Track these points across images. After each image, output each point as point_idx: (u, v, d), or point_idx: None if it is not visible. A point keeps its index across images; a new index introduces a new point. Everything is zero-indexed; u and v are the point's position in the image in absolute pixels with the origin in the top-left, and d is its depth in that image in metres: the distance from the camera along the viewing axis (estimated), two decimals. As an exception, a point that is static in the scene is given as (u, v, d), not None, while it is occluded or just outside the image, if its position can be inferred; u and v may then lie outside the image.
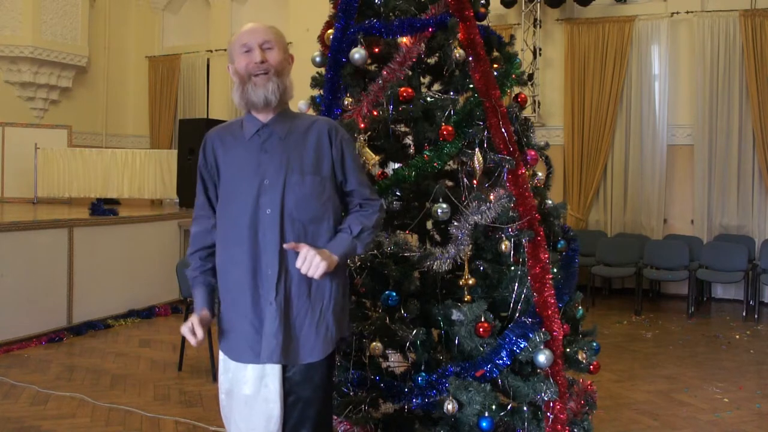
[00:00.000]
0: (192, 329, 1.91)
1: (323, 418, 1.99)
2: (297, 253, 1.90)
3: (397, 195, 2.78)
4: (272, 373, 1.92)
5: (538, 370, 2.52)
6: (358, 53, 2.71)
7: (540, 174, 3.06)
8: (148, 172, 8.77)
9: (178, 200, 8.53)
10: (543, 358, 2.46)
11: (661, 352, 5.51)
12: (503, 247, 2.59)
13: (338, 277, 2.00)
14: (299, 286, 1.93)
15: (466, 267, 2.61)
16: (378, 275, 2.63)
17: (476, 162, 2.66)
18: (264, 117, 1.97)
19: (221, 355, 2.03)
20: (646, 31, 7.92)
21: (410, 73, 2.90)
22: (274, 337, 1.90)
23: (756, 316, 6.83)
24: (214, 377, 4.48)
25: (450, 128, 2.65)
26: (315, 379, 1.95)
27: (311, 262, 1.85)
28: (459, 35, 2.78)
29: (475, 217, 2.56)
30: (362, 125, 2.69)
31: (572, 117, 8.18)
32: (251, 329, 1.92)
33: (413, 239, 2.88)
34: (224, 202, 1.99)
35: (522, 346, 2.47)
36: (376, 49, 2.81)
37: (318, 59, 2.91)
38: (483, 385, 2.43)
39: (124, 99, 11.06)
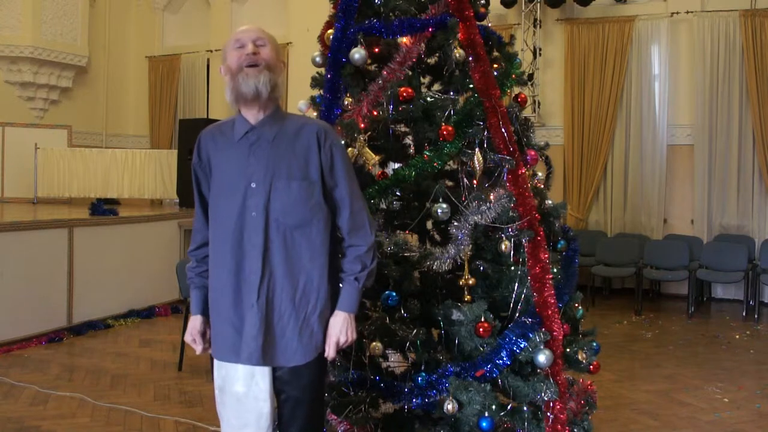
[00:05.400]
0: (194, 340, 2.12)
1: (312, 418, 2.00)
2: (284, 258, 1.92)
3: (397, 195, 2.78)
4: (261, 371, 1.94)
5: (538, 370, 2.52)
6: (358, 53, 2.71)
7: (540, 174, 3.06)
8: (148, 172, 8.78)
9: (178, 200, 8.53)
10: (543, 358, 2.46)
11: (661, 352, 5.51)
12: (503, 247, 2.59)
13: (327, 283, 1.99)
14: (283, 289, 1.93)
15: (466, 267, 2.60)
16: (378, 275, 2.62)
17: (476, 162, 2.65)
18: (253, 118, 1.96)
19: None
20: (646, 31, 7.92)
21: (410, 73, 2.89)
22: (254, 339, 1.91)
23: (756, 316, 6.84)
24: (214, 377, 4.48)
25: (450, 128, 2.65)
26: (303, 378, 1.96)
27: (339, 345, 2.00)
28: (459, 35, 2.78)
29: (475, 217, 2.56)
30: (362, 125, 2.69)
31: (572, 117, 8.19)
32: (232, 330, 1.94)
33: (413, 239, 2.88)
34: (214, 201, 2.00)
35: (522, 346, 2.47)
36: (376, 49, 2.81)
37: (318, 59, 2.91)
38: (483, 385, 2.42)
39: (124, 99, 11.06)
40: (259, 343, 1.91)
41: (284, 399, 1.96)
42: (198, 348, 2.11)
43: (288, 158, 1.94)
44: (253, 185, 1.92)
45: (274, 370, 1.95)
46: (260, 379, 1.93)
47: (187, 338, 2.12)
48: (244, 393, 1.95)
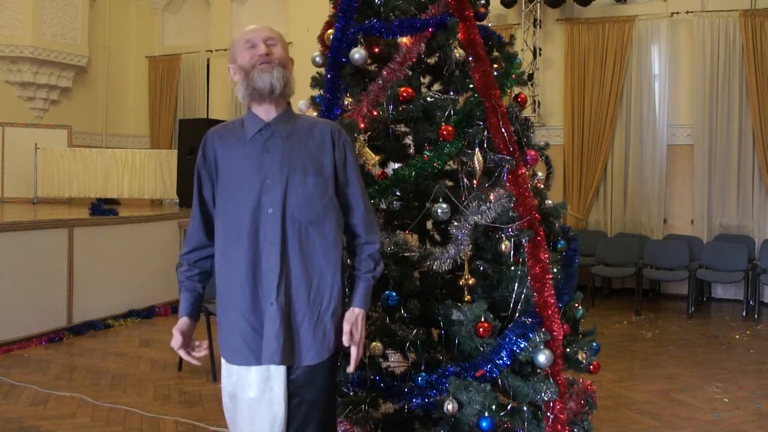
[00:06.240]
0: (182, 347, 2.01)
1: (328, 420, 1.98)
2: (300, 254, 1.91)
3: (397, 195, 2.78)
4: (277, 375, 1.91)
5: (538, 370, 2.52)
6: (358, 53, 2.71)
7: (540, 174, 3.06)
8: (148, 172, 8.77)
9: (178, 200, 8.53)
10: (543, 358, 2.46)
11: (661, 352, 5.51)
12: (503, 247, 2.59)
13: (339, 282, 1.99)
14: (298, 287, 1.92)
15: (466, 267, 2.61)
16: (378, 275, 2.63)
17: (476, 162, 2.66)
18: (266, 115, 1.96)
19: (223, 359, 2.02)
20: (646, 31, 7.92)
21: (410, 73, 2.90)
22: (275, 338, 1.89)
23: (756, 316, 6.83)
24: (214, 377, 4.48)
25: (450, 128, 2.65)
26: (318, 381, 1.94)
27: (356, 340, 1.97)
28: (459, 35, 2.78)
29: (475, 217, 2.56)
30: (362, 125, 2.69)
31: (572, 117, 8.19)
32: (250, 330, 1.91)
33: (413, 239, 2.88)
34: (224, 201, 1.97)
35: (522, 346, 2.47)
36: (376, 49, 2.81)
37: (318, 59, 2.91)
38: (483, 385, 2.42)
39: (124, 99, 11.06)
40: (281, 342, 1.89)
41: (297, 403, 1.93)
42: (183, 353, 2.00)
43: (302, 154, 1.95)
44: (269, 181, 1.91)
45: (288, 374, 1.93)
46: (276, 383, 1.91)
47: (174, 344, 2.00)
48: (256, 398, 1.92)
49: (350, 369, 2.00)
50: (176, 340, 1.99)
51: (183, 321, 2.03)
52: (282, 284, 1.90)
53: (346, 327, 1.96)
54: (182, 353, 2.02)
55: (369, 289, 2.03)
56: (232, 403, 1.98)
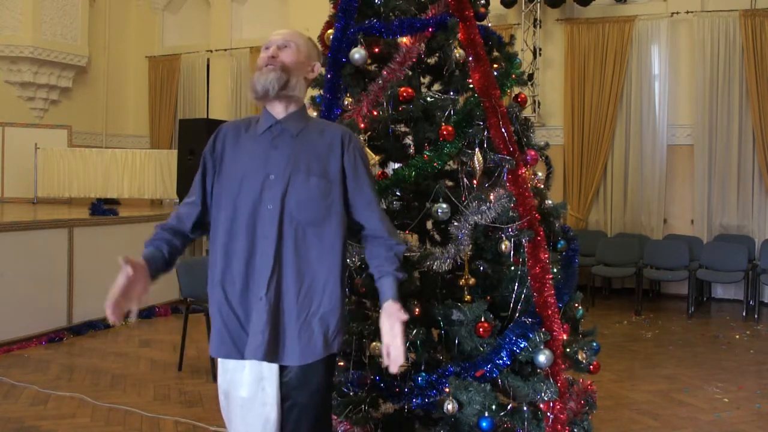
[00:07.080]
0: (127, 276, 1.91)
1: (321, 423, 1.97)
2: (294, 253, 1.90)
3: (397, 195, 2.78)
4: (270, 376, 1.91)
5: (538, 370, 2.52)
6: (358, 53, 2.71)
7: (540, 174, 3.06)
8: (148, 172, 8.78)
9: (178, 200, 8.53)
10: (543, 358, 2.46)
11: (661, 352, 5.51)
12: (503, 247, 2.59)
13: (331, 288, 1.95)
14: (289, 286, 1.92)
15: (466, 267, 2.61)
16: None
17: (476, 162, 2.66)
18: (279, 113, 1.98)
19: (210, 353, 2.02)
20: (646, 31, 7.92)
21: (410, 73, 2.90)
22: (261, 333, 1.88)
23: (756, 316, 6.84)
24: (214, 377, 4.47)
25: (450, 128, 2.65)
26: (312, 383, 1.93)
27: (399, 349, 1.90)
28: (459, 35, 2.78)
29: (475, 217, 2.56)
30: (362, 125, 2.69)
31: (572, 117, 8.19)
32: (237, 323, 1.92)
33: (413, 239, 2.88)
34: (225, 194, 1.97)
35: (522, 346, 2.47)
36: (376, 49, 2.81)
37: (318, 59, 2.91)
38: (483, 385, 2.43)
39: (124, 99, 11.06)
40: (266, 337, 1.88)
41: (290, 405, 1.92)
42: (120, 280, 1.92)
43: (309, 154, 1.96)
44: (272, 177, 1.92)
45: (281, 375, 1.92)
46: (268, 383, 1.90)
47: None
48: (249, 398, 1.91)
49: (393, 369, 1.92)
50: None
51: (140, 260, 1.96)
52: (273, 281, 1.90)
53: (390, 319, 1.91)
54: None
55: (397, 284, 2.00)
56: (227, 401, 1.98)
